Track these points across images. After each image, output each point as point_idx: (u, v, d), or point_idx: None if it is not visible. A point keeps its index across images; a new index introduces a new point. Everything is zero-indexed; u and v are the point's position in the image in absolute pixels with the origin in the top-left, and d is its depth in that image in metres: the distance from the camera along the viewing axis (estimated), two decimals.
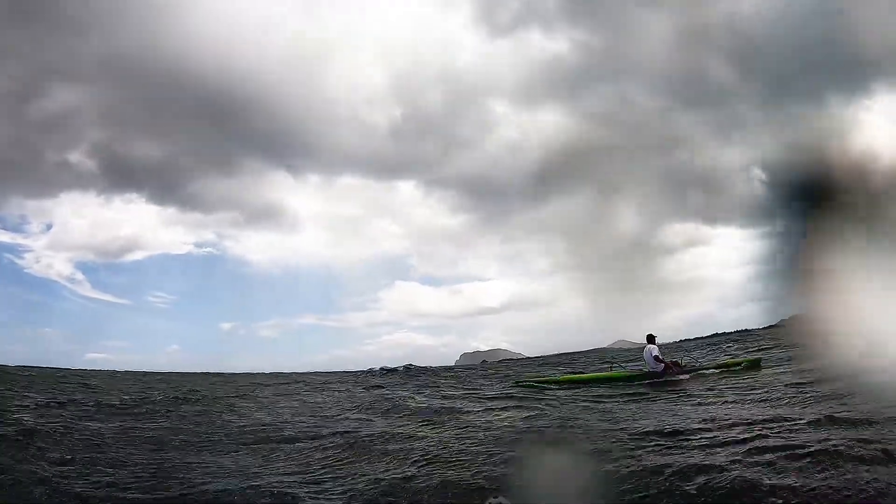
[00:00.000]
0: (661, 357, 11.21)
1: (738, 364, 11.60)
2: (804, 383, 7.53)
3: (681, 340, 26.00)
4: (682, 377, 10.81)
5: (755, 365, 11.43)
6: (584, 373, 12.84)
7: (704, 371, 11.24)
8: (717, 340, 21.17)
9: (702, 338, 24.39)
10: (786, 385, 7.61)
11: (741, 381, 9.07)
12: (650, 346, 11.34)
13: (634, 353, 13.18)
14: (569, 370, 13.62)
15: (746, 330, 19.21)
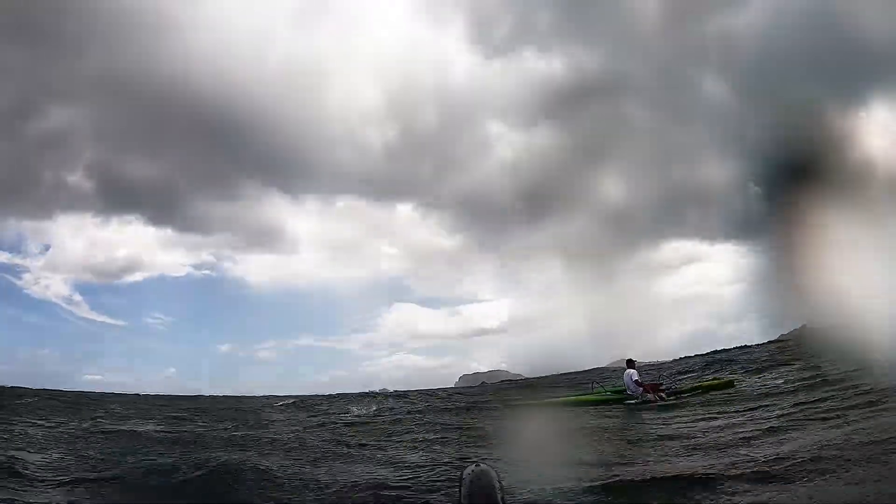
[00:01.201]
0: (640, 381, 11.73)
1: (714, 385, 12.11)
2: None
3: (681, 358, 25.67)
4: (660, 399, 11.31)
5: (729, 385, 12.03)
6: (570, 396, 13.05)
7: (682, 393, 11.80)
8: (716, 359, 20.88)
9: (700, 355, 24.08)
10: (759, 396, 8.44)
11: (717, 400, 9.90)
12: (630, 370, 11.85)
13: (616, 373, 13.48)
14: (570, 392, 13.57)
15: (745, 346, 18.93)
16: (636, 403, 11.20)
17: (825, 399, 7.16)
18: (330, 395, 21.02)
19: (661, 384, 12.47)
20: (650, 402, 11.16)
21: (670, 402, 11.19)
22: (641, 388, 11.57)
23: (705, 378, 14.06)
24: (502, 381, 41.27)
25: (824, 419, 5.82)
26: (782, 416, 6.76)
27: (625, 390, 11.94)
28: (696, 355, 24.46)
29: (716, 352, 22.96)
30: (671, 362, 25.72)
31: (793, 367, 12.89)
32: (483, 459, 3.13)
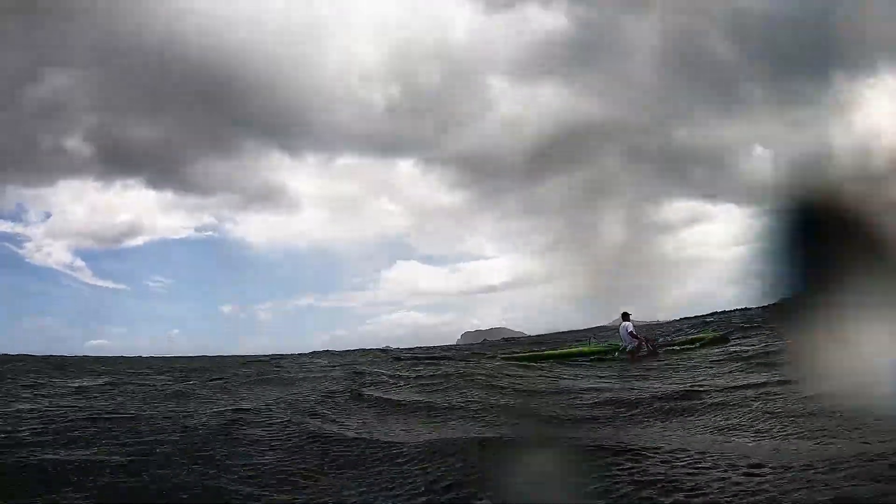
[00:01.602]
0: (635, 333, 12.15)
1: (706, 338, 12.74)
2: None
3: (681, 318, 26.01)
4: (654, 351, 11.89)
5: (722, 339, 12.59)
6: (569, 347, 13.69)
7: (675, 346, 12.51)
8: (716, 320, 21.22)
9: (700, 316, 24.41)
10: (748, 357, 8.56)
11: (708, 354, 10.33)
12: (625, 322, 12.29)
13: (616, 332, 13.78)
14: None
15: (747, 308, 19.16)
16: (628, 352, 11.81)
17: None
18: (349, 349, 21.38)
19: (657, 339, 12.92)
20: (643, 352, 11.71)
21: (661, 353, 11.88)
22: (637, 340, 12.00)
23: (699, 334, 14.34)
24: (503, 338, 41.93)
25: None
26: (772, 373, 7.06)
27: (620, 343, 12.36)
28: (695, 316, 24.81)
29: (715, 313, 23.26)
30: (667, 323, 26.14)
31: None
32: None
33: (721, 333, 13.50)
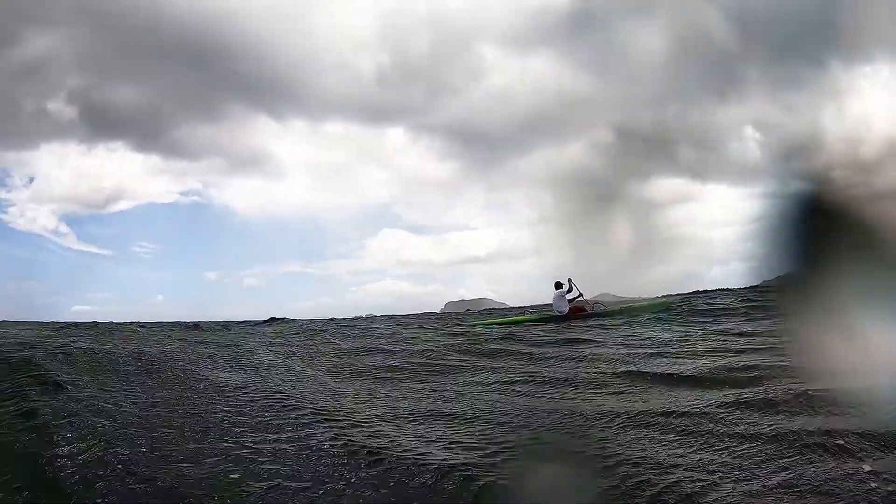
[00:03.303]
0: (568, 297, 13.10)
1: (647, 307, 12.76)
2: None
3: (664, 296, 26.32)
4: (587, 313, 12.54)
5: (665, 307, 12.53)
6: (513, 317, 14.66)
7: (610, 314, 12.55)
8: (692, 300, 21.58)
9: (683, 294, 24.73)
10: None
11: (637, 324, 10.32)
12: (557, 290, 13.19)
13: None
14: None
15: (728, 289, 19.46)
16: (564, 323, 12.16)
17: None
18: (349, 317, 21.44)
19: (584, 307, 13.43)
20: (579, 320, 12.14)
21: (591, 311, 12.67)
22: (567, 308, 12.81)
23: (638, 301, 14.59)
24: (485, 308, 42.49)
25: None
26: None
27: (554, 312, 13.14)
28: (677, 294, 25.13)
29: (697, 292, 23.56)
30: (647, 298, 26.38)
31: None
32: None
33: (663, 301, 13.81)
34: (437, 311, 44.62)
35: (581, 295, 13.39)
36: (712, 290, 22.10)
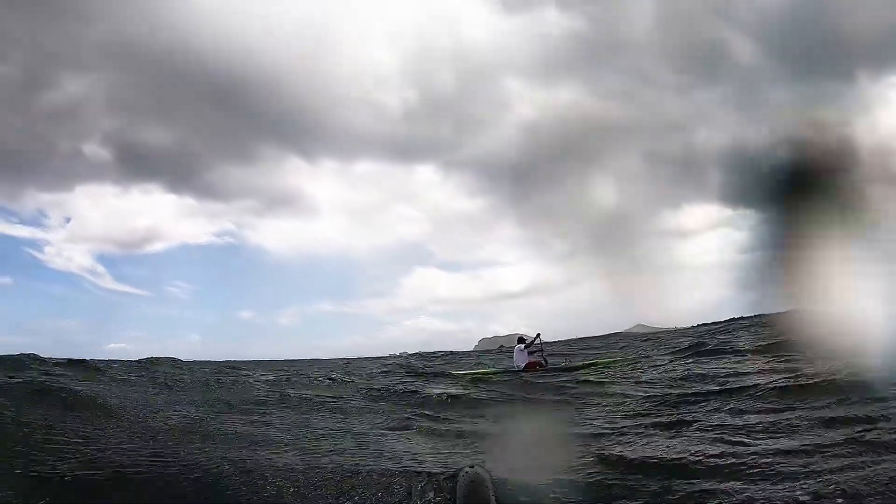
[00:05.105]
0: (528, 351, 13.09)
1: (609, 364, 12.79)
2: None
3: (697, 325, 25.82)
4: (545, 367, 12.73)
5: (628, 363, 12.62)
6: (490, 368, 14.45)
7: (569, 369, 12.49)
8: (731, 327, 21.02)
9: (719, 322, 24.19)
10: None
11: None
12: (518, 345, 13.31)
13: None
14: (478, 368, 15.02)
15: (762, 315, 18.97)
16: (522, 370, 12.63)
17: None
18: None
19: (542, 361, 13.29)
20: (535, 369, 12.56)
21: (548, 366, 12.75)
22: (525, 364, 12.88)
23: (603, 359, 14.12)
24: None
25: None
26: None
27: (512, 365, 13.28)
28: (713, 322, 24.61)
29: (733, 320, 23.07)
30: (681, 329, 25.89)
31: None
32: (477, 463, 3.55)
33: (631, 357, 13.73)
34: (471, 349, 44.36)
35: (541, 351, 13.46)
36: (747, 317, 21.56)
